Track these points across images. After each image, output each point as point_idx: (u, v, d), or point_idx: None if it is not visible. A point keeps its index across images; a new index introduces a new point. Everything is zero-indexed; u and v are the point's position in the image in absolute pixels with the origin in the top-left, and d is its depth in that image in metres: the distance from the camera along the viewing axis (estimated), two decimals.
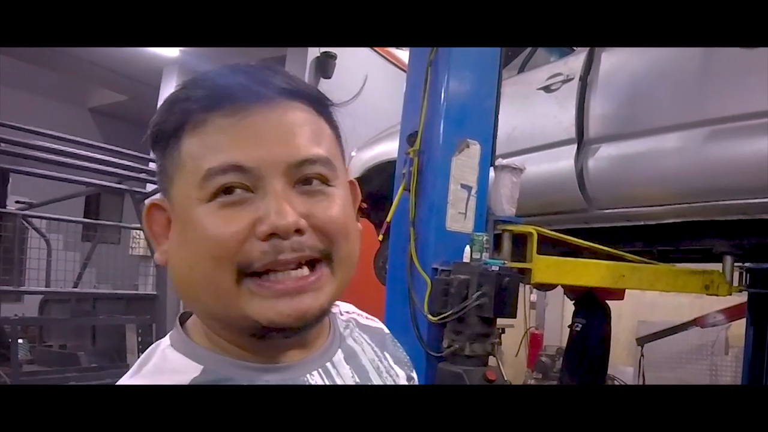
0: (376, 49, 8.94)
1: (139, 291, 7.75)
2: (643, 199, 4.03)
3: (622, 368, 8.72)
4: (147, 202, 0.97)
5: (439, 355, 3.40)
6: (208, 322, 0.97)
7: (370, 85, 8.53)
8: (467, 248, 3.47)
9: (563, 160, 4.30)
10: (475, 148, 3.66)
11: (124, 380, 0.94)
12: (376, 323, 1.27)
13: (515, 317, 3.38)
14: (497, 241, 3.78)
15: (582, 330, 6.15)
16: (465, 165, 3.63)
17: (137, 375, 0.94)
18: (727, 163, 3.53)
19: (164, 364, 0.95)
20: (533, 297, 9.61)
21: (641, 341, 8.32)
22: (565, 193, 4.32)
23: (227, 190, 0.89)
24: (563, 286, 6.28)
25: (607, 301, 6.26)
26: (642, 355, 8.43)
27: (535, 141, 4.49)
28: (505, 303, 3.29)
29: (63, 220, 7.35)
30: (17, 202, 7.63)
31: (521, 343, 9.34)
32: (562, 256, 3.96)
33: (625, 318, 8.91)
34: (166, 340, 1.00)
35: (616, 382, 8.43)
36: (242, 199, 0.89)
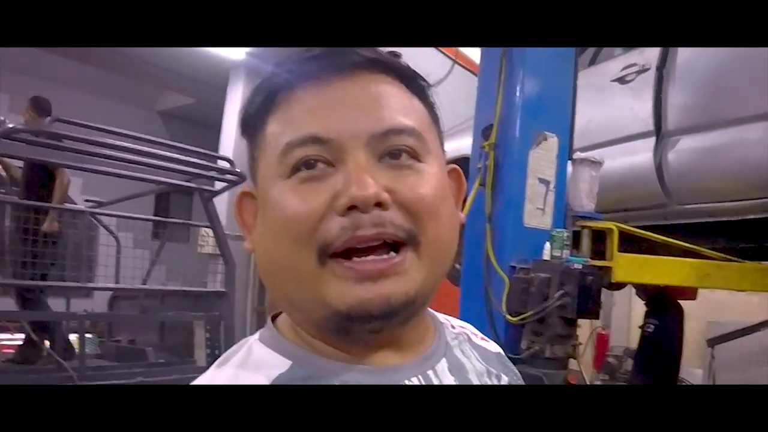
0: (441, 49, 8.81)
1: (208, 288, 7.70)
2: (726, 194, 3.75)
3: (691, 370, 8.41)
4: (238, 190, 0.82)
5: (518, 356, 3.19)
6: (293, 314, 0.89)
7: (434, 83, 8.39)
8: (547, 245, 3.25)
9: (641, 154, 4.04)
10: (552, 141, 3.44)
11: (209, 373, 0.88)
12: (491, 346, 1.12)
13: (598, 318, 3.15)
14: (575, 237, 3.55)
15: (654, 331, 5.89)
16: (542, 158, 3.42)
17: (221, 367, 0.87)
18: None
19: (249, 357, 0.87)
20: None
21: (712, 342, 8.04)
22: (643, 188, 4.05)
23: (307, 164, 0.81)
24: (635, 285, 6.05)
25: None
26: (713, 357, 8.16)
27: (611, 134, 4.23)
28: (588, 303, 3.06)
29: (131, 218, 7.33)
30: (86, 200, 7.64)
31: (587, 343, 9.11)
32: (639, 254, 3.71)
33: (694, 318, 8.57)
34: (254, 336, 0.92)
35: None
36: (322, 173, 0.81)
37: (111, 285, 7.17)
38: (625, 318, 7.93)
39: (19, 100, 6.67)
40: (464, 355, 1.01)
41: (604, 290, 8.41)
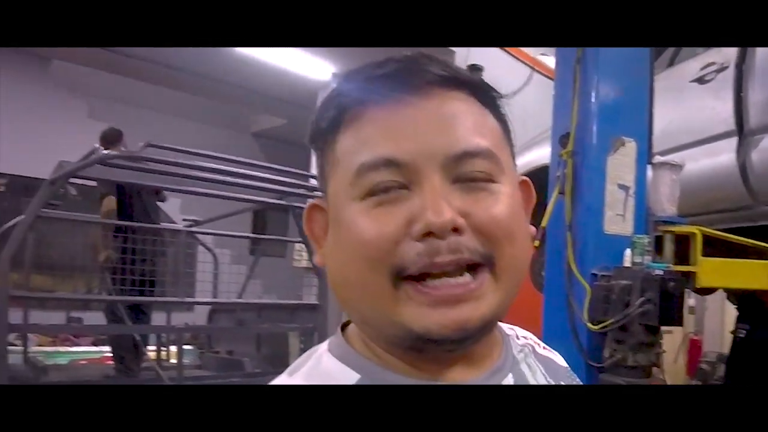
0: (519, 57, 8.75)
1: (303, 301, 7.83)
2: None
3: None
4: (308, 203, 0.82)
5: (600, 365, 3.12)
6: (364, 328, 0.88)
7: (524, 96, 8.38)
8: (627, 251, 3.17)
9: (723, 154, 3.90)
10: (630, 146, 3.37)
11: (280, 380, 0.89)
12: (554, 355, 1.09)
13: (681, 325, 3.06)
14: (658, 243, 3.46)
15: (746, 336, 5.70)
16: (621, 164, 3.34)
17: (292, 375, 0.88)
18: None
19: (318, 368, 0.88)
20: (692, 301, 9.11)
21: None
22: (727, 190, 3.93)
23: (383, 189, 0.80)
24: (726, 290, 5.88)
25: None
26: None
27: (692, 136, 4.10)
28: (670, 309, 2.96)
29: (225, 235, 7.53)
30: (184, 219, 7.86)
31: (679, 349, 8.90)
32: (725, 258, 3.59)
33: None
34: (323, 345, 0.92)
35: None
36: (397, 197, 0.80)
37: (208, 299, 7.35)
38: (719, 323, 7.72)
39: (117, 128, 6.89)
40: (530, 369, 0.98)
41: (695, 295, 8.30)
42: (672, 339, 8.66)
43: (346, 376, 0.85)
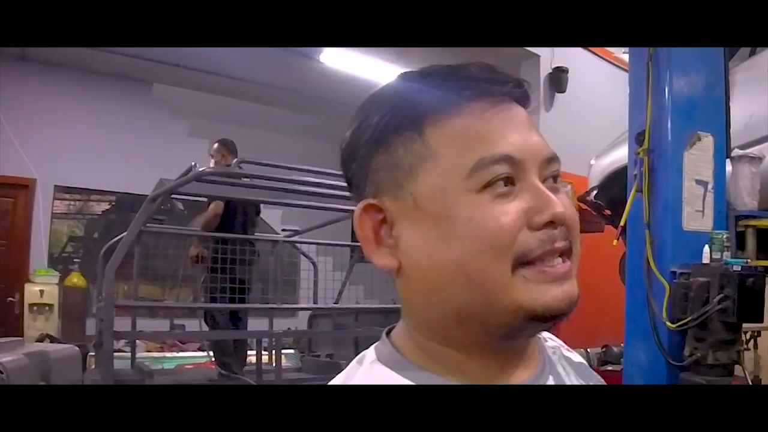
0: (606, 57, 8.64)
1: (397, 305, 7.91)
2: None
3: None
4: (361, 205, 0.81)
5: (681, 364, 3.05)
6: (455, 329, 0.87)
7: (602, 93, 8.24)
8: (706, 248, 3.08)
9: None
10: (707, 141, 3.28)
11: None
12: (577, 357, 1.10)
13: (762, 321, 2.95)
14: (741, 238, 3.36)
15: None
16: (698, 159, 3.26)
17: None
18: None
19: (371, 379, 0.87)
20: None
21: None
22: None
23: (503, 182, 0.83)
24: None
25: None
26: None
27: None
28: (750, 306, 2.87)
29: (318, 243, 7.63)
30: (283, 230, 8.03)
31: None
32: None
33: None
34: (370, 354, 0.92)
35: None
36: (509, 191, 0.83)
37: (303, 305, 7.48)
38: None
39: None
40: (564, 370, 1.00)
41: None
42: None
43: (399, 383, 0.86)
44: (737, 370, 3.04)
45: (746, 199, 3.32)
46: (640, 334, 3.29)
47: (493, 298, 0.82)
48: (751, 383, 3.00)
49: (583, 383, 1.01)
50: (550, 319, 0.83)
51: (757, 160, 3.35)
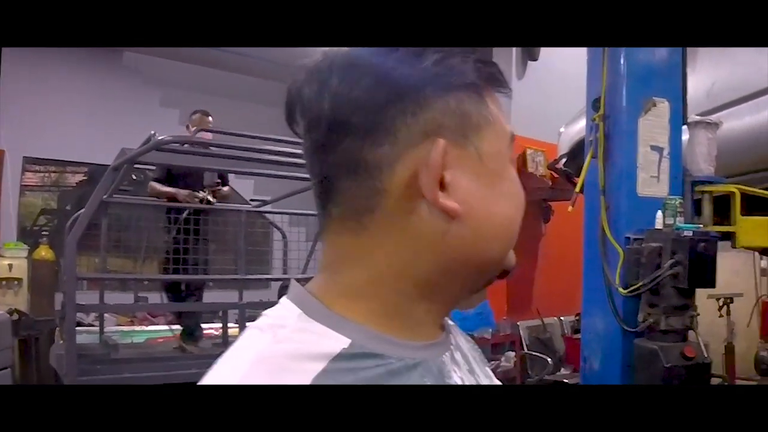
0: None
1: None
2: None
3: None
4: (440, 140, 0.79)
5: (635, 330, 3.07)
6: (457, 281, 0.91)
7: (574, 61, 8.27)
8: (659, 213, 3.09)
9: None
10: (663, 107, 3.28)
11: (262, 344, 0.82)
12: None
13: (714, 287, 2.97)
14: (698, 204, 3.37)
15: None
16: (654, 125, 3.27)
17: (277, 343, 0.82)
18: None
19: (304, 331, 0.83)
20: (764, 263, 8.84)
21: None
22: None
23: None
24: None
25: None
26: None
27: (737, 93, 3.94)
28: (702, 272, 2.89)
29: (282, 213, 7.59)
30: (252, 200, 7.96)
31: (753, 312, 8.64)
32: None
33: None
34: (291, 309, 0.87)
35: None
36: None
37: (272, 276, 7.47)
38: None
39: (187, 114, 7.05)
40: (455, 328, 1.07)
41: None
42: (745, 303, 8.42)
43: (337, 339, 0.83)
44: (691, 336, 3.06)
45: (702, 165, 3.33)
46: (597, 301, 3.30)
47: (507, 253, 0.95)
48: (703, 347, 2.99)
49: (471, 347, 1.09)
50: (505, 275, 0.99)
51: (713, 126, 3.36)
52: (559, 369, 6.45)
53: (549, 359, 6.28)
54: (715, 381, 7.93)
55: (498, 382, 1.08)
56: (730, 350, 7.82)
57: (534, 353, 6.44)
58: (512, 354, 6.46)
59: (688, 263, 2.85)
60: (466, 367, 0.98)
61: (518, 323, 6.76)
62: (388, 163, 0.84)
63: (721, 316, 7.80)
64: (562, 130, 5.60)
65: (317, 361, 0.78)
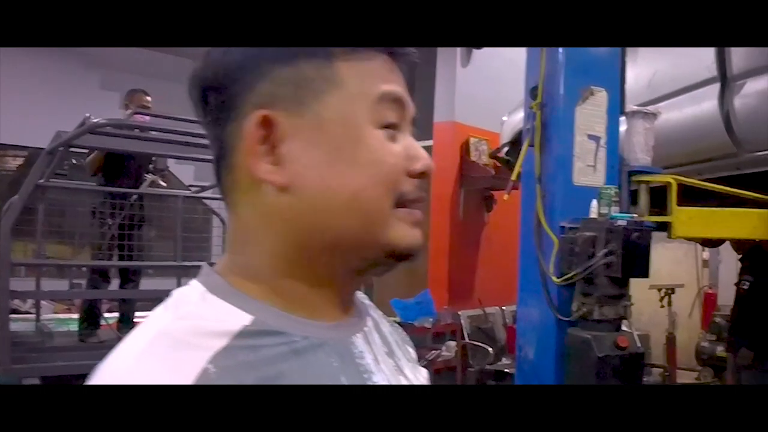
0: None
1: None
2: None
3: None
4: (256, 113, 0.81)
5: (569, 319, 3.07)
6: (305, 259, 0.86)
7: (519, 49, 8.28)
8: (594, 202, 3.10)
9: (706, 101, 3.77)
10: (601, 96, 3.28)
11: (163, 322, 0.80)
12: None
13: (647, 276, 2.97)
14: (635, 194, 3.38)
15: (750, 288, 5.60)
16: (591, 114, 3.27)
17: (180, 320, 0.80)
18: None
19: (207, 308, 0.82)
20: (705, 254, 8.99)
21: None
22: (711, 138, 3.77)
23: (393, 122, 0.88)
24: (731, 241, 5.78)
25: None
26: None
27: (677, 84, 3.95)
28: (635, 261, 2.90)
29: (217, 199, 7.50)
30: (190, 186, 7.86)
31: (694, 302, 8.78)
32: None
33: None
34: (196, 287, 0.85)
35: None
36: (396, 134, 0.89)
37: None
38: (733, 276, 7.61)
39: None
40: (375, 313, 1.05)
41: (710, 249, 8.14)
42: (686, 293, 8.55)
43: (238, 317, 0.81)
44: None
45: (639, 155, 3.33)
46: (532, 291, 3.31)
47: (371, 229, 0.85)
48: (636, 337, 3.00)
49: (392, 330, 1.08)
50: (405, 258, 0.89)
51: (651, 116, 3.36)
52: (500, 359, 6.46)
53: (490, 349, 6.28)
54: (656, 371, 8.09)
55: (418, 366, 1.06)
56: (671, 340, 7.93)
57: (475, 343, 6.42)
58: (453, 343, 6.43)
59: (621, 252, 2.85)
60: (384, 349, 0.97)
61: (459, 312, 6.73)
62: (233, 139, 0.85)
63: (662, 306, 7.92)
64: (504, 118, 5.60)
65: (219, 337, 0.76)
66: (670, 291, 7.97)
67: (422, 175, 0.89)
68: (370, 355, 0.91)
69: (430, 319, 6.42)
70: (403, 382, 0.95)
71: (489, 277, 7.37)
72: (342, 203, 0.84)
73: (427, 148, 7.85)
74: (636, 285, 6.78)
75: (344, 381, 0.82)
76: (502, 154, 5.67)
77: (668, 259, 9.01)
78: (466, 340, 6.55)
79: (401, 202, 0.87)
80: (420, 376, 1.02)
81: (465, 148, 7.43)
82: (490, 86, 7.32)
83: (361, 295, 1.06)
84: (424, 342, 6.27)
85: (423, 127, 8.52)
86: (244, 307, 0.82)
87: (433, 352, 6.11)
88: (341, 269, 0.88)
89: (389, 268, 0.91)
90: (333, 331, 0.87)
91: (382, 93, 0.86)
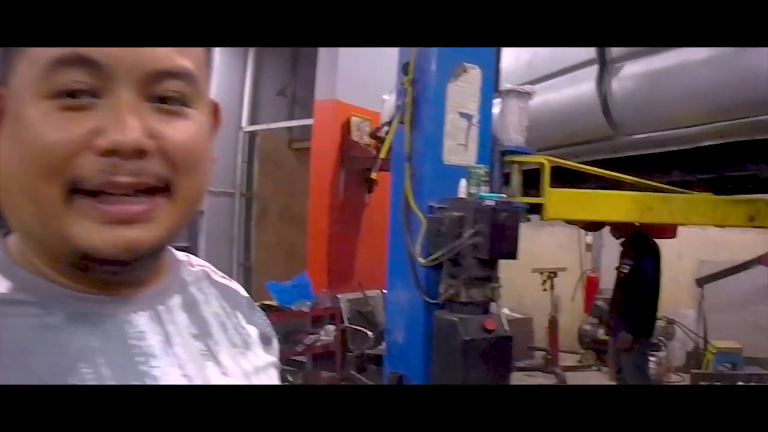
0: None
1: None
2: (674, 121, 3.47)
3: (683, 311, 8.20)
4: None
5: (436, 302, 3.00)
6: (27, 240, 0.80)
7: None
8: (463, 182, 3.03)
9: (584, 83, 3.76)
10: (474, 73, 3.21)
11: None
12: (233, 284, 1.06)
13: (516, 258, 2.92)
14: (508, 175, 3.34)
15: (630, 272, 5.68)
16: (464, 92, 3.20)
17: None
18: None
19: None
20: (588, 239, 9.14)
21: (700, 282, 7.85)
22: (588, 120, 3.77)
23: (73, 93, 0.72)
24: (610, 226, 5.85)
25: (660, 240, 5.76)
26: (702, 297, 7.95)
27: (556, 65, 3.94)
28: (503, 242, 2.84)
29: None
30: None
31: (577, 286, 8.91)
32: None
33: (687, 258, 8.38)
34: None
35: (676, 327, 7.97)
36: (87, 104, 0.72)
37: None
38: (615, 261, 7.78)
39: None
40: (201, 292, 0.95)
41: (593, 233, 8.28)
42: (569, 277, 8.68)
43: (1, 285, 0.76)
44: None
45: (512, 135, 3.30)
46: (400, 273, 3.24)
47: (44, 222, 0.75)
48: (504, 319, 2.96)
49: (226, 306, 0.97)
50: (106, 263, 0.76)
51: (525, 95, 3.33)
52: (380, 343, 6.38)
53: (370, 333, 6.22)
54: (538, 354, 8.19)
55: (255, 352, 0.97)
56: (553, 324, 8.05)
57: (355, 327, 6.36)
58: (332, 328, 6.33)
59: (488, 233, 2.79)
60: (192, 330, 0.87)
61: (339, 296, 6.63)
62: None
63: (545, 290, 8.02)
64: (386, 97, 5.52)
65: None
66: (553, 275, 8.08)
67: (110, 153, 0.72)
68: (159, 337, 0.82)
69: (308, 303, 6.29)
70: (211, 368, 0.85)
71: (369, 260, 7.25)
72: (15, 190, 0.76)
73: (309, 128, 7.70)
74: (518, 269, 6.85)
75: (101, 362, 0.73)
76: (383, 133, 5.58)
77: (551, 243, 9.16)
78: (346, 324, 6.47)
79: (86, 191, 0.73)
80: (248, 363, 0.92)
81: (346, 128, 7.30)
82: (373, 64, 7.19)
83: (194, 270, 0.98)
84: (302, 326, 6.17)
85: (306, 106, 8.36)
86: (9, 275, 0.77)
87: (311, 336, 6.02)
88: (62, 259, 0.77)
89: (111, 269, 0.77)
90: (102, 306, 0.79)
91: (52, 59, 0.72)
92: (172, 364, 0.80)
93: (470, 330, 2.83)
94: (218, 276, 1.03)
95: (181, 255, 0.98)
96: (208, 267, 1.03)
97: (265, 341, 1.01)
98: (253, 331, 1.00)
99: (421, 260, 2.98)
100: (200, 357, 0.85)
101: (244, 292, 1.06)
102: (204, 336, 0.89)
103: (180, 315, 0.88)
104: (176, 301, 0.89)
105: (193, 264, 1.00)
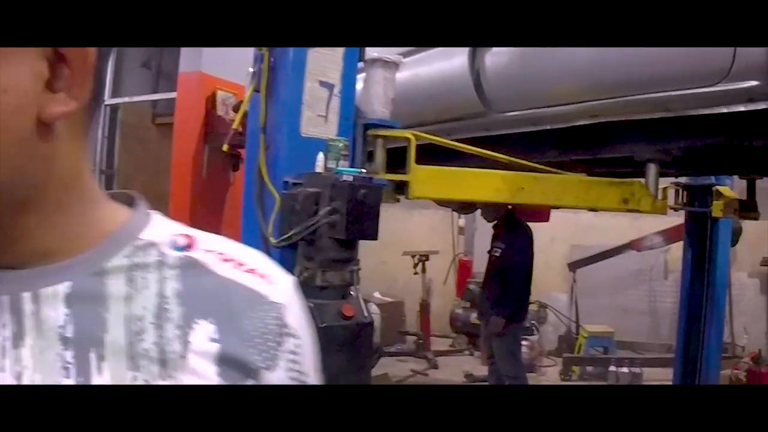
0: None
1: None
2: (547, 98, 3.37)
3: (556, 295, 8.32)
4: None
5: None
6: None
7: None
8: (320, 156, 2.82)
9: (456, 57, 3.62)
10: None
11: None
12: (247, 282, 0.77)
13: (376, 239, 2.73)
14: (372, 150, 3.16)
15: (501, 255, 5.63)
16: (325, 59, 2.98)
17: None
18: (642, 50, 2.83)
19: None
20: (461, 222, 9.14)
21: (573, 266, 7.94)
22: (460, 96, 3.65)
23: None
24: (481, 208, 5.79)
25: (532, 224, 5.75)
26: (574, 281, 8.05)
27: None
28: (362, 221, 2.63)
29: None
30: None
31: (449, 270, 8.90)
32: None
33: (559, 242, 8.48)
34: None
35: (549, 311, 8.06)
36: None
37: None
38: (488, 243, 7.82)
39: None
40: (132, 284, 0.74)
41: (466, 216, 8.27)
42: (441, 260, 8.66)
43: None
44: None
45: (377, 107, 3.12)
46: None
47: None
48: (363, 304, 2.77)
49: (177, 310, 0.72)
50: None
51: (392, 65, 3.15)
52: None
53: None
54: (410, 339, 8.12)
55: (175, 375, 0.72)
56: (425, 307, 8.02)
57: None
58: None
59: (346, 211, 2.59)
60: (63, 333, 0.70)
61: None
62: None
63: (416, 273, 7.97)
64: (251, 70, 5.28)
65: None
66: (425, 258, 8.03)
67: None
68: (5, 331, 0.69)
69: None
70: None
71: (234, 240, 7.02)
72: None
73: (174, 102, 7.38)
74: (390, 251, 6.73)
75: None
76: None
77: (423, 225, 9.14)
78: None
79: None
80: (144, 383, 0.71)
81: (212, 102, 7.00)
82: None
83: (179, 257, 0.76)
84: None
85: (172, 79, 8.04)
86: None
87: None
88: None
89: None
90: None
91: None
92: (5, 369, 0.67)
93: (327, 316, 2.61)
94: (227, 272, 0.77)
95: (181, 236, 0.79)
96: (224, 255, 0.79)
97: (240, 370, 0.73)
98: (205, 352, 0.73)
99: (273, 240, 2.76)
100: (56, 369, 0.69)
101: (270, 311, 0.76)
102: (87, 342, 0.71)
103: (57, 308, 0.71)
104: (63, 288, 0.72)
105: (198, 248, 0.78)
